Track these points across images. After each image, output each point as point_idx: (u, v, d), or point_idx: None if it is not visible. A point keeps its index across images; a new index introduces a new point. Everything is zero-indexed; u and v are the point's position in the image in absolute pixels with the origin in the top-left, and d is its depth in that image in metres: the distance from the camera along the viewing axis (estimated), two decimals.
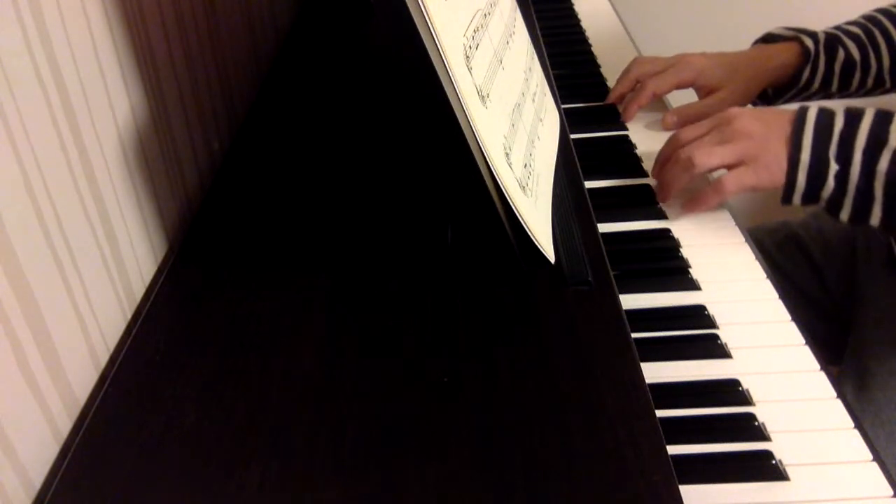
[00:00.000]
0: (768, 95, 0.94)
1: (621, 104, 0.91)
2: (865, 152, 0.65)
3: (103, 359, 0.52)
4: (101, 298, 0.52)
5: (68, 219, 0.48)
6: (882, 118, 0.66)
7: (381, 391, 0.46)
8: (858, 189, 0.66)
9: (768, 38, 0.93)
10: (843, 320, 0.90)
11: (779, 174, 0.68)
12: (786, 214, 1.04)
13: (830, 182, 0.66)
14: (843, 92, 0.92)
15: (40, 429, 0.45)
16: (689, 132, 0.73)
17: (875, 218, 0.66)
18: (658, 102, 0.90)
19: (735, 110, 0.73)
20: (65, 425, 0.48)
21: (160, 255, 0.62)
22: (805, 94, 0.92)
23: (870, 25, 0.90)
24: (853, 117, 0.67)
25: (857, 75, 0.89)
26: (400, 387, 0.46)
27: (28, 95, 0.44)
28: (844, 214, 0.67)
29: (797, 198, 0.68)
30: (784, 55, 0.90)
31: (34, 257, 0.45)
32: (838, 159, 0.66)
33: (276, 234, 0.60)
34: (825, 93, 0.92)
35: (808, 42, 0.89)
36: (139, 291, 0.58)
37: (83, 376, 0.50)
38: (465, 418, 0.44)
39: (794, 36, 0.90)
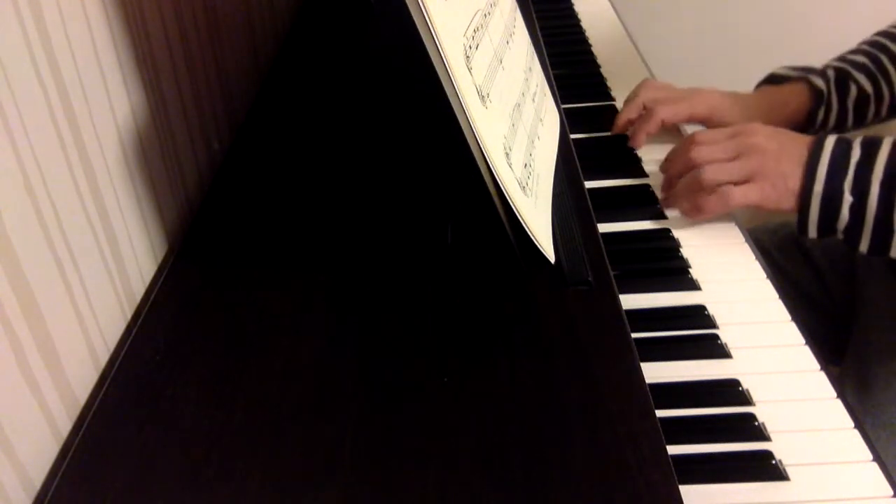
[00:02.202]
0: None
1: (628, 129, 0.87)
2: (884, 184, 0.65)
3: (103, 359, 0.52)
4: (101, 298, 0.52)
5: (68, 219, 0.48)
6: None
7: (381, 391, 0.46)
8: (877, 221, 0.65)
9: (774, 79, 0.90)
10: (843, 320, 0.90)
11: (785, 197, 0.68)
12: (786, 215, 1.04)
13: (845, 213, 0.66)
14: (858, 125, 0.90)
15: (40, 429, 0.45)
16: (704, 141, 0.72)
17: (895, 250, 0.66)
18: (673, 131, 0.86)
19: (754, 125, 0.73)
20: (65, 425, 0.48)
21: (160, 255, 0.62)
22: (821, 132, 0.91)
23: (875, 52, 0.88)
24: (870, 148, 0.67)
25: (872, 107, 0.87)
26: (400, 387, 0.46)
27: (28, 95, 0.44)
28: (864, 246, 0.66)
29: (812, 229, 0.68)
30: (796, 101, 0.87)
31: (34, 257, 0.45)
32: (854, 192, 0.65)
33: (277, 234, 0.60)
34: (840, 129, 0.90)
35: (819, 82, 0.86)
36: (139, 291, 0.58)
37: (83, 376, 0.50)
38: (466, 418, 0.44)
39: (802, 77, 0.87)
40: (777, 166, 0.69)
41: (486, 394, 0.45)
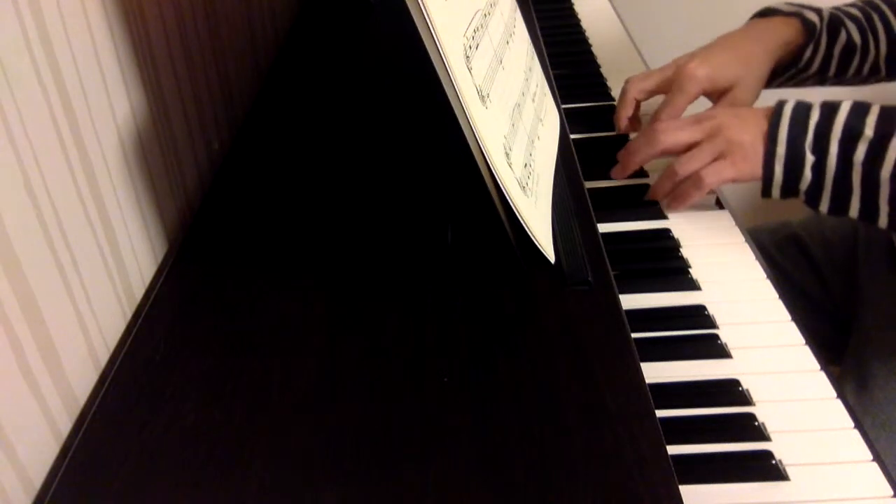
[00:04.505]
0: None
1: (629, 129, 0.85)
2: (841, 143, 0.65)
3: (103, 359, 0.52)
4: (101, 298, 0.52)
5: (68, 219, 0.48)
6: (858, 109, 0.66)
7: (381, 391, 0.46)
8: (836, 180, 0.66)
9: (767, 13, 0.89)
10: (843, 320, 0.90)
11: (757, 166, 0.69)
12: (786, 214, 1.04)
13: (807, 174, 0.67)
14: (839, 77, 0.89)
15: (40, 429, 0.45)
16: (669, 134, 0.72)
17: (854, 210, 0.66)
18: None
19: (713, 111, 0.73)
20: (65, 425, 0.48)
21: (160, 255, 0.62)
22: (802, 76, 0.89)
23: (869, 10, 0.88)
24: (830, 110, 0.67)
25: (856, 60, 0.87)
26: (400, 387, 0.46)
27: (28, 95, 0.44)
28: (823, 206, 0.67)
29: (776, 191, 0.69)
30: (786, 31, 0.85)
31: (34, 257, 0.45)
32: (814, 151, 0.66)
33: (277, 234, 0.60)
34: (821, 77, 0.89)
35: (813, 17, 0.85)
36: (139, 291, 0.58)
37: (83, 376, 0.50)
38: (465, 418, 0.44)
39: (797, 11, 0.86)
40: (742, 138, 0.69)
41: (486, 394, 0.45)
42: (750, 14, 0.91)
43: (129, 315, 0.56)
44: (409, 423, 0.43)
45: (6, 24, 0.42)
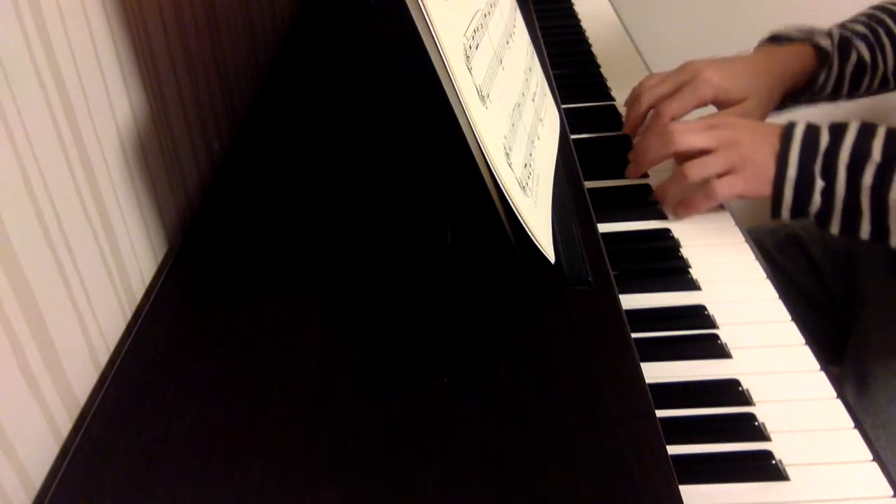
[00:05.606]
0: (782, 101, 0.90)
1: (636, 133, 0.85)
2: (850, 167, 0.66)
3: (103, 359, 0.52)
4: (101, 298, 0.52)
5: (68, 219, 0.48)
6: (865, 132, 0.67)
7: (381, 391, 0.46)
8: (845, 204, 0.66)
9: (776, 39, 0.89)
10: (843, 320, 0.90)
11: (766, 185, 0.69)
12: None
13: (816, 198, 0.67)
14: (851, 94, 0.90)
15: (40, 429, 0.45)
16: (685, 137, 0.72)
17: (864, 232, 0.66)
18: None
19: (727, 119, 0.73)
20: (65, 425, 0.48)
21: (160, 255, 0.62)
22: (816, 98, 0.90)
23: (874, 24, 0.88)
24: (838, 133, 0.68)
25: (867, 78, 0.87)
26: (400, 387, 0.46)
27: (28, 95, 0.44)
28: (834, 228, 0.68)
29: (785, 213, 0.69)
30: (800, 59, 0.86)
31: (34, 257, 0.45)
32: (824, 175, 0.67)
33: (277, 234, 0.60)
34: (834, 96, 0.90)
35: (825, 42, 0.85)
36: (139, 291, 0.58)
37: (83, 376, 0.50)
38: (465, 418, 0.44)
39: (808, 37, 0.86)
40: (755, 156, 0.69)
41: (486, 394, 0.45)
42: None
43: (129, 315, 0.56)
44: (409, 423, 0.43)
45: (6, 24, 0.42)
